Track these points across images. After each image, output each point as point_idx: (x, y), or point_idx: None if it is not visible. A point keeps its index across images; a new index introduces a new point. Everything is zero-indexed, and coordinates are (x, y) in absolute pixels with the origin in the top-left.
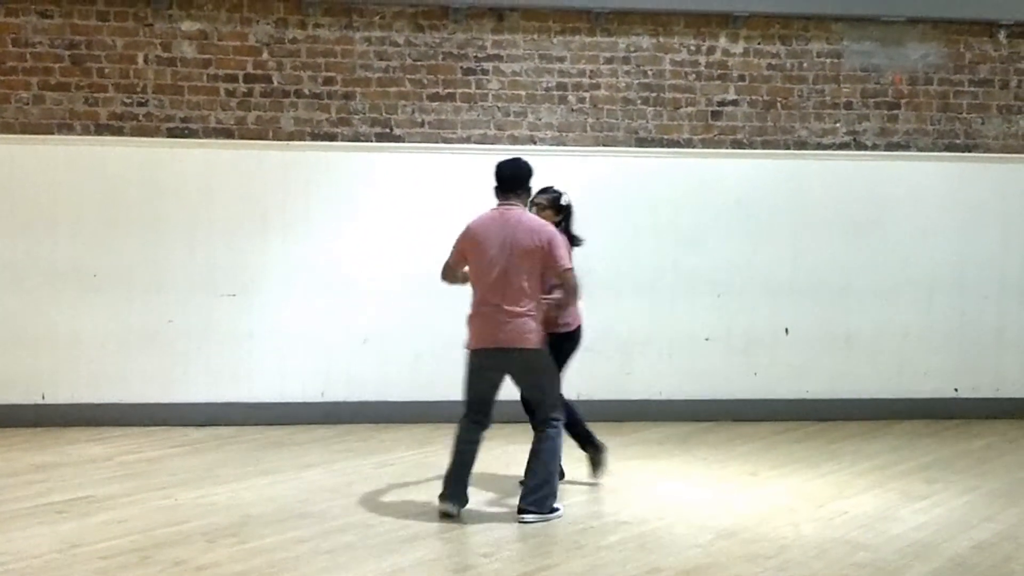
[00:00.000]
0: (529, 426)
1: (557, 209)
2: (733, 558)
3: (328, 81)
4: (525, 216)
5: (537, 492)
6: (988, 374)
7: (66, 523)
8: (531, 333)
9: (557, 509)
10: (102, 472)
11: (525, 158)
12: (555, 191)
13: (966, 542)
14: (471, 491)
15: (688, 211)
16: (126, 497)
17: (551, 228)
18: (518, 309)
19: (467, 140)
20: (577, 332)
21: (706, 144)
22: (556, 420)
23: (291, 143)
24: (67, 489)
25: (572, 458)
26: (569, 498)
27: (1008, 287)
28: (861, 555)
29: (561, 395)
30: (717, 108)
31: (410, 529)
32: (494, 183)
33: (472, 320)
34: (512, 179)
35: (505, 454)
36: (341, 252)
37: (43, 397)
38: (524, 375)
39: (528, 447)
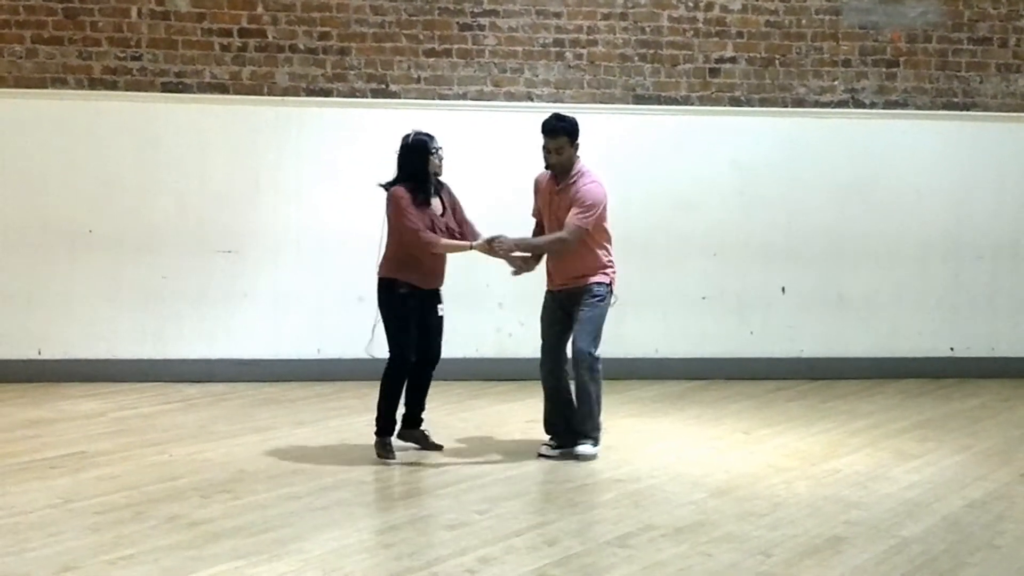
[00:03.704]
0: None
1: None
2: (726, 516)
3: (323, 36)
4: None
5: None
6: (983, 334)
7: (60, 478)
8: None
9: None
10: (96, 428)
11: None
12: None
13: (959, 501)
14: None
15: (684, 169)
16: (120, 453)
17: None
18: None
19: (463, 96)
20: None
21: (703, 101)
22: None
23: (286, 98)
24: (61, 444)
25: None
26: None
27: (1003, 247)
28: (854, 513)
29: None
30: (715, 65)
31: (404, 486)
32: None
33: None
34: None
35: (498, 413)
36: (336, 208)
37: (38, 352)
38: None
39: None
